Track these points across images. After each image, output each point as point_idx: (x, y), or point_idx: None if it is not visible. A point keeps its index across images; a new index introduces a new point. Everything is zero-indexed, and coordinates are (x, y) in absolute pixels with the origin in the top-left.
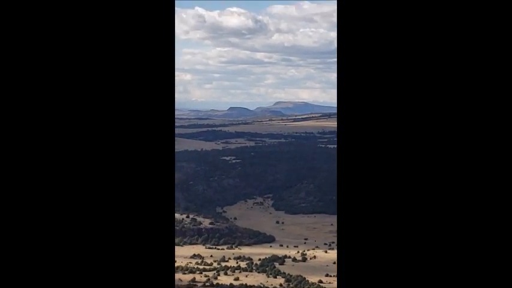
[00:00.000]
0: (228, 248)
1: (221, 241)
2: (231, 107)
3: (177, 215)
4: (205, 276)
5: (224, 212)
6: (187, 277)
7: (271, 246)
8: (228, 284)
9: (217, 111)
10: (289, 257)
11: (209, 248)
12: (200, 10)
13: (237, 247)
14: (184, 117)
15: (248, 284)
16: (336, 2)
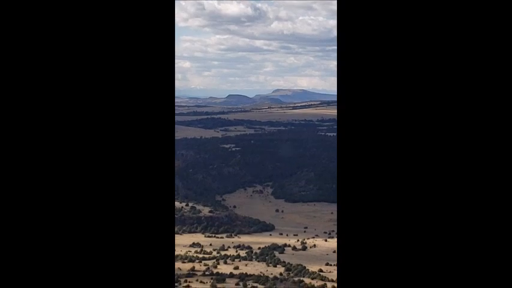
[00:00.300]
0: (227, 237)
1: (220, 229)
2: (229, 95)
3: (176, 203)
4: (205, 265)
5: (223, 200)
6: (187, 266)
7: (270, 235)
8: (228, 273)
9: (216, 98)
10: (289, 246)
11: (208, 236)
12: None
13: (236, 235)
14: (183, 104)
15: (248, 273)
16: None
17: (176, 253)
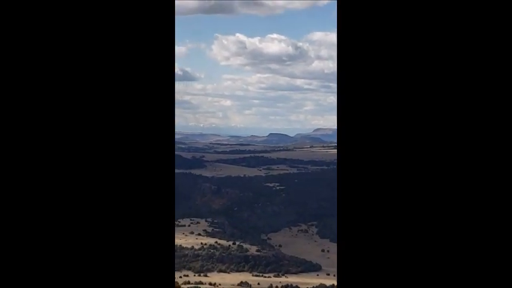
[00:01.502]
0: (274, 276)
1: (267, 269)
2: (270, 133)
3: (223, 242)
4: None
5: (269, 239)
6: None
7: (318, 275)
8: None
9: (257, 137)
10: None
11: (256, 275)
12: (241, 36)
13: (283, 275)
14: (225, 142)
15: None
16: None
17: None
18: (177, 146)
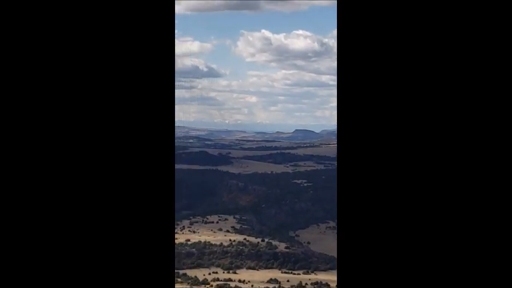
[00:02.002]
0: (304, 273)
1: (296, 266)
2: (296, 130)
3: (252, 238)
4: None
5: (297, 236)
6: None
7: None
8: None
9: (283, 133)
10: None
11: (285, 272)
12: (266, 33)
13: (313, 272)
14: (251, 139)
15: None
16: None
17: None
18: (203, 142)
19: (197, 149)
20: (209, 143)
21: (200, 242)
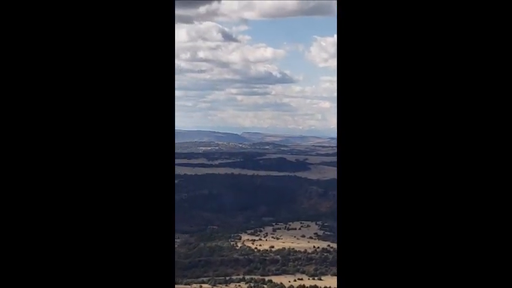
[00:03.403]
0: None
1: None
2: None
3: (335, 245)
4: None
5: None
6: None
7: None
8: None
9: None
10: None
11: None
12: None
13: None
14: (326, 144)
15: None
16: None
17: None
18: (279, 148)
19: (274, 155)
20: (285, 149)
21: (284, 248)
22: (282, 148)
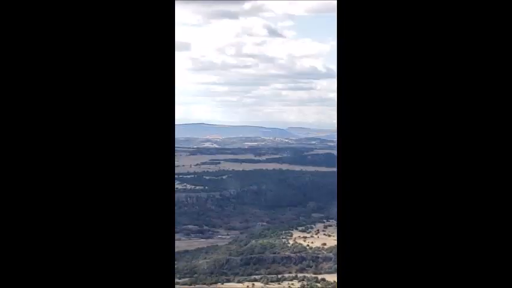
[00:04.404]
0: None
1: None
2: None
3: None
4: None
5: None
6: None
7: None
8: None
9: None
10: None
11: None
12: None
13: None
14: None
15: None
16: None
17: None
18: (326, 144)
19: (321, 151)
20: (331, 144)
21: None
22: (329, 143)
